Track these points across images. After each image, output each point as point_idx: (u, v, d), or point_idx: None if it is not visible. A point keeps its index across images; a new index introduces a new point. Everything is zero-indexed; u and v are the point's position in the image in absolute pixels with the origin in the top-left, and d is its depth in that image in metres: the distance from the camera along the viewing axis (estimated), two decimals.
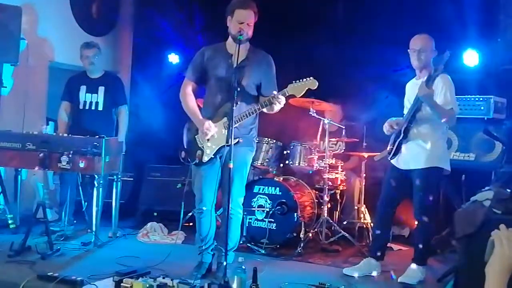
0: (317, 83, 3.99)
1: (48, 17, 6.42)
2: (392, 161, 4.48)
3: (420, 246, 4.36)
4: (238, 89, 3.90)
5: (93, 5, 7.23)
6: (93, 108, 5.66)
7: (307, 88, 4.00)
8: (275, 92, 4.00)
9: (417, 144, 4.31)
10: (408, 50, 4.40)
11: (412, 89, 4.47)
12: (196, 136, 4.15)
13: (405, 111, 4.56)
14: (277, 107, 4.04)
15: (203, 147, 4.12)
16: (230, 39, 4.14)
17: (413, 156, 4.32)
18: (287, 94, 4.00)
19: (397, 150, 4.39)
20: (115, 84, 5.81)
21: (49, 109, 6.53)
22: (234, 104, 3.84)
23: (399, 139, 4.35)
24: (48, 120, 6.53)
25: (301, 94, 4.03)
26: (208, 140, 4.09)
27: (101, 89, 5.66)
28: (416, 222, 4.52)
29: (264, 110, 4.10)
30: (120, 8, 7.68)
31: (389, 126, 4.44)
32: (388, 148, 4.50)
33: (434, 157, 4.27)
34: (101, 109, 5.66)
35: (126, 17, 7.69)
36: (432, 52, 4.34)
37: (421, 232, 4.39)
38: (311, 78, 4.00)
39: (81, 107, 5.66)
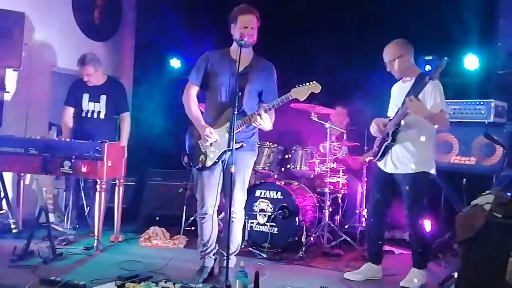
0: (320, 87, 4.01)
1: (50, 22, 6.46)
2: (379, 164, 4.47)
3: (417, 249, 4.36)
4: (240, 94, 3.93)
5: (95, 10, 7.27)
6: (95, 116, 5.68)
7: (310, 92, 4.02)
8: (264, 105, 4.05)
9: (405, 148, 4.30)
10: None
11: (398, 92, 4.48)
12: (199, 141, 4.17)
13: (390, 113, 4.57)
14: (264, 124, 4.05)
15: (206, 152, 4.14)
16: (234, 45, 4.17)
17: (401, 160, 4.31)
18: (291, 98, 4.03)
19: (384, 153, 4.40)
20: (117, 91, 5.81)
21: (52, 114, 6.56)
22: (236, 110, 3.85)
23: (386, 143, 4.34)
24: (51, 125, 6.56)
25: (304, 98, 4.05)
26: (211, 145, 4.11)
27: (103, 98, 5.67)
28: (410, 228, 4.48)
29: (256, 125, 4.10)
30: (122, 14, 7.72)
31: (376, 126, 4.45)
32: (374, 149, 4.51)
33: (421, 162, 4.26)
34: (103, 117, 5.69)
35: (128, 22, 7.74)
36: (406, 55, 4.33)
37: (416, 237, 4.36)
38: (314, 82, 4.03)
39: (83, 115, 5.69)
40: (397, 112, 4.33)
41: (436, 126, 4.29)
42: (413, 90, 4.21)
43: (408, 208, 4.31)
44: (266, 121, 4.04)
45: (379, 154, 4.41)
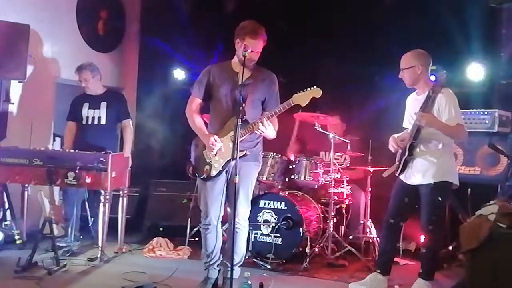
0: (321, 92, 4.03)
1: (54, 34, 6.50)
2: (401, 176, 4.47)
3: (427, 260, 4.34)
4: (244, 104, 3.95)
5: (99, 22, 7.31)
6: (95, 122, 5.70)
7: (311, 97, 4.04)
8: (257, 122, 4.05)
9: (425, 159, 4.30)
10: None
11: (413, 104, 4.48)
12: (204, 152, 4.19)
13: (405, 124, 4.57)
14: (267, 131, 4.07)
15: (211, 161, 4.16)
16: (236, 58, 4.21)
17: (422, 171, 4.30)
18: (292, 104, 4.05)
19: (404, 167, 4.39)
20: (117, 100, 5.86)
21: (56, 125, 6.58)
22: (239, 120, 3.87)
23: (405, 157, 4.34)
24: (55, 136, 6.59)
25: (306, 103, 4.07)
26: (215, 154, 4.12)
27: (103, 105, 5.71)
28: (423, 237, 4.50)
29: (260, 133, 4.12)
30: (126, 25, 7.76)
31: (395, 144, 4.45)
32: (395, 164, 4.50)
33: (442, 172, 4.25)
34: (104, 123, 5.70)
35: (132, 33, 7.77)
36: (419, 67, 4.32)
37: (428, 246, 4.36)
38: (315, 86, 4.04)
39: (84, 122, 5.72)
40: (412, 126, 4.34)
41: (455, 139, 4.32)
42: (425, 104, 4.21)
43: (425, 217, 4.29)
44: (268, 128, 4.06)
45: (400, 169, 4.41)
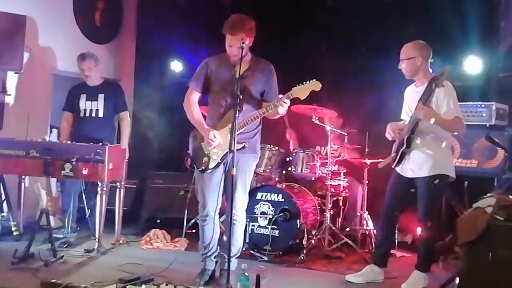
0: (320, 85, 4.01)
1: (51, 25, 6.45)
2: (397, 169, 4.47)
3: (424, 252, 4.36)
4: (241, 96, 3.94)
5: (96, 13, 7.27)
6: (93, 115, 5.69)
7: (310, 90, 4.03)
8: (280, 96, 4.04)
9: (422, 152, 4.30)
10: None
11: (411, 96, 4.47)
12: (202, 144, 4.19)
13: (403, 116, 4.57)
14: (282, 110, 4.04)
15: (209, 153, 4.15)
16: None
17: (418, 163, 4.30)
18: (292, 97, 4.04)
19: (401, 159, 4.39)
20: (115, 91, 5.84)
21: (53, 116, 6.56)
22: (237, 112, 3.86)
23: (402, 149, 4.34)
24: (52, 128, 6.57)
25: (305, 96, 4.06)
26: (214, 146, 4.12)
27: (101, 96, 5.70)
28: (419, 229, 4.51)
29: (268, 114, 4.12)
30: (123, 16, 7.72)
31: (392, 132, 4.44)
32: (391, 156, 4.50)
33: (439, 165, 4.26)
34: (101, 116, 5.70)
35: (129, 24, 7.73)
36: (418, 58, 4.29)
37: (425, 238, 4.38)
38: (314, 80, 4.03)
39: (81, 115, 5.71)
40: (410, 118, 4.33)
41: (454, 133, 4.32)
42: (424, 96, 4.20)
43: (422, 209, 4.29)
44: (286, 106, 4.04)
45: (396, 160, 4.41)
